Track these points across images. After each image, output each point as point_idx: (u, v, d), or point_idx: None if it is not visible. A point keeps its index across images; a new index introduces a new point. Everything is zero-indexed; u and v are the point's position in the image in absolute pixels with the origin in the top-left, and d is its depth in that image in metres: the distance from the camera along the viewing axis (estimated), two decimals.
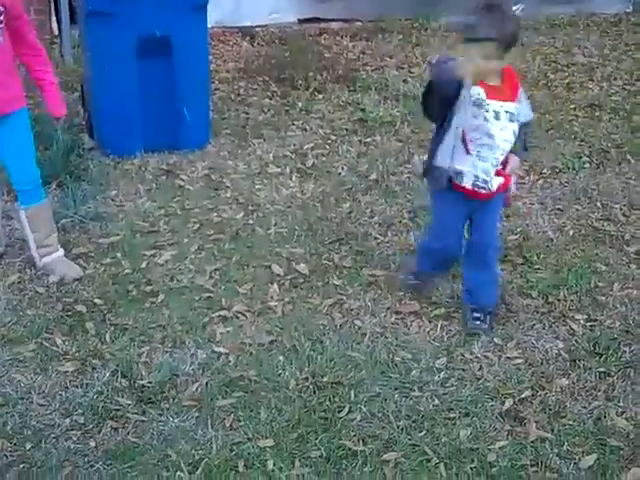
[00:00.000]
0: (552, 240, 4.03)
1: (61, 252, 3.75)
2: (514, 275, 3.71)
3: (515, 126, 3.06)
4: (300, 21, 7.39)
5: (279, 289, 3.61)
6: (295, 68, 6.06)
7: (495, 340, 3.29)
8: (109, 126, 4.78)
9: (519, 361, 3.18)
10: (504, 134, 3.05)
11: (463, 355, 3.21)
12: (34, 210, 3.66)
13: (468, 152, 3.06)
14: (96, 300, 3.50)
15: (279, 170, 4.72)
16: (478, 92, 2.98)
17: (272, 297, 3.55)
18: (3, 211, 3.92)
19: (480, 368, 3.14)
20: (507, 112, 3.02)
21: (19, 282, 3.63)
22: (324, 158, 4.87)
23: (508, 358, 3.19)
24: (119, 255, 3.84)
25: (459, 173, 3.09)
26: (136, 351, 3.20)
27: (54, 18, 6.63)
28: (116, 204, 4.32)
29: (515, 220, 4.19)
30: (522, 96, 3.11)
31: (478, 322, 3.35)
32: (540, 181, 4.64)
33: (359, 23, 7.30)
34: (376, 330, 3.34)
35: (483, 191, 3.12)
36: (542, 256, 3.86)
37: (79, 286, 3.61)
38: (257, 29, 7.10)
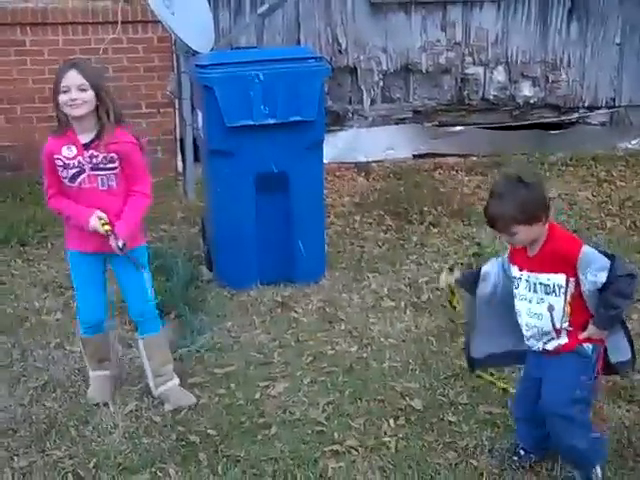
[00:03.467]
0: None
1: (176, 381, 3.80)
2: None
3: (552, 299, 2.95)
4: (415, 156, 7.54)
5: (393, 424, 3.53)
6: (410, 202, 6.13)
7: None
8: (227, 259, 4.92)
9: None
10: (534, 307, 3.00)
11: None
12: (150, 340, 3.76)
13: None
14: (209, 431, 3.51)
15: (393, 304, 4.71)
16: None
17: (385, 432, 3.48)
18: (122, 339, 4.03)
19: None
20: (541, 284, 2.96)
21: (136, 410, 3.68)
22: (439, 292, 4.82)
23: None
24: (233, 386, 3.86)
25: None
26: None
27: (179, 158, 7.00)
28: (231, 335, 4.38)
29: None
30: (582, 263, 2.87)
31: None
32: None
33: (474, 158, 7.38)
34: (493, 471, 3.20)
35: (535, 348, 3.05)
36: None
37: (193, 416, 3.63)
38: (372, 164, 7.27)
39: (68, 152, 3.44)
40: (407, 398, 3.71)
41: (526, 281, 3.00)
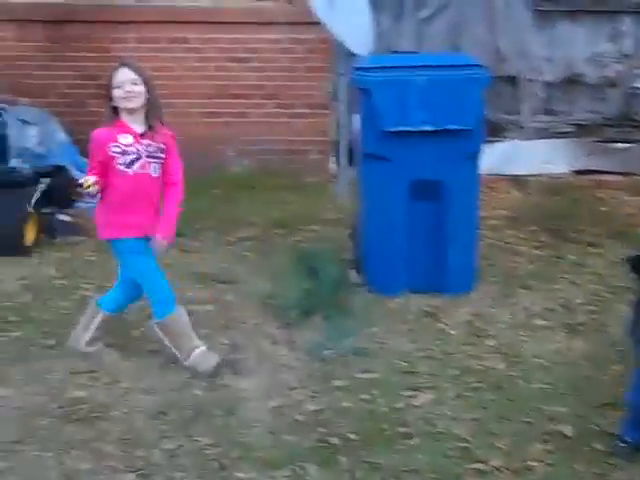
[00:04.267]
0: None
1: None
2: None
3: None
4: (574, 172, 7.28)
5: (540, 448, 3.40)
6: (567, 220, 5.92)
7: None
8: (376, 264, 4.89)
9: None
10: None
11: None
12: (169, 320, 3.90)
13: None
14: (351, 435, 3.48)
15: (546, 323, 4.55)
16: None
17: (532, 456, 3.35)
18: None
19: None
20: None
21: (280, 407, 3.71)
22: (594, 316, 4.64)
23: None
24: (376, 392, 3.82)
25: None
26: None
27: (332, 159, 7.05)
28: (377, 341, 4.34)
29: None
30: None
31: None
32: None
33: (638, 177, 7.05)
34: None
35: None
36: None
37: (335, 418, 3.62)
38: (529, 178, 7.07)
39: (125, 140, 3.72)
40: (556, 423, 3.57)
41: None
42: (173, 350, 3.92)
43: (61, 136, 6.48)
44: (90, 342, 4.05)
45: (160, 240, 3.79)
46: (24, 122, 5.99)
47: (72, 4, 6.99)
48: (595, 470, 3.25)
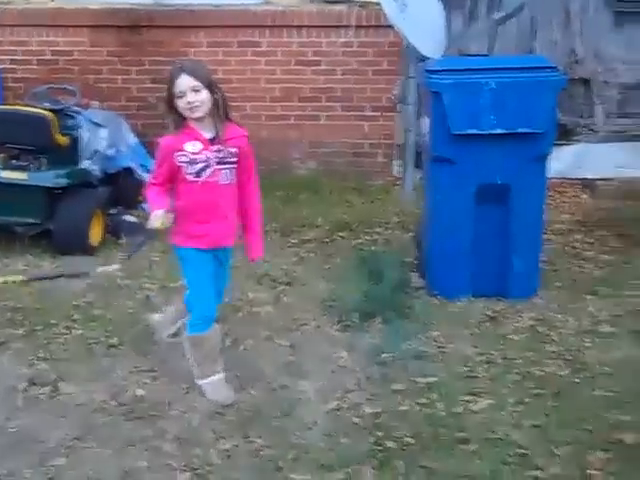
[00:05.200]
0: None
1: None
2: None
3: None
4: None
5: (600, 457, 3.31)
6: (638, 224, 5.77)
7: None
8: (440, 267, 4.86)
9: None
10: None
11: None
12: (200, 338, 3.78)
13: None
14: (408, 439, 3.45)
15: (612, 330, 4.44)
16: None
17: (592, 465, 3.27)
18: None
19: None
20: None
21: (337, 409, 3.71)
22: None
23: None
24: (435, 396, 3.78)
25: None
26: None
27: (396, 162, 7.02)
28: (437, 345, 4.30)
29: None
30: None
31: None
32: None
33: None
34: None
35: None
36: None
37: (393, 422, 3.59)
38: (599, 182, 6.92)
39: (193, 148, 3.52)
40: (618, 431, 3.47)
41: None
42: (191, 366, 3.82)
43: (131, 138, 6.60)
44: (172, 336, 4.10)
45: (255, 260, 3.80)
46: (96, 124, 6.12)
47: (147, 9, 7.13)
48: None
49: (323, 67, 7.12)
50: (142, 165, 6.36)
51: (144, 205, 5.79)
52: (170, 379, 3.93)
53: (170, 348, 4.11)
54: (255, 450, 3.41)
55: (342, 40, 7.04)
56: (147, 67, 7.18)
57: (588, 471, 3.23)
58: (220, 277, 3.82)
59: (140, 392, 3.82)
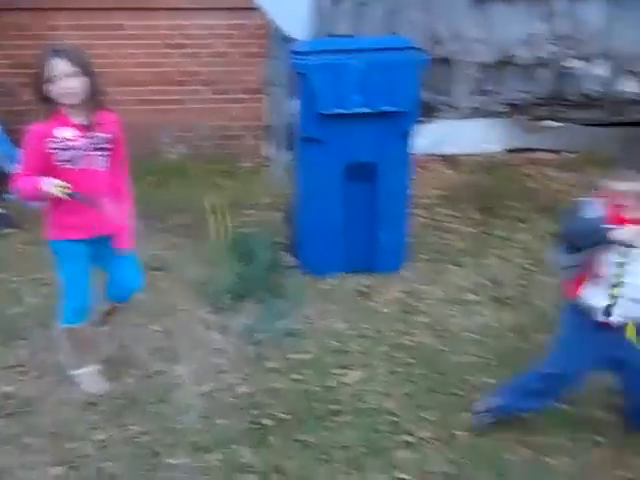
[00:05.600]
0: None
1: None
2: None
3: None
4: (507, 151, 7.39)
5: (467, 419, 3.47)
6: (498, 197, 6.01)
7: None
8: (311, 246, 4.93)
9: None
10: None
11: None
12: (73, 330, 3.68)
13: None
14: (283, 415, 3.53)
15: (475, 298, 4.64)
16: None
17: (459, 426, 3.43)
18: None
19: None
20: None
21: (212, 391, 3.74)
22: (522, 289, 4.73)
23: None
24: (308, 372, 3.87)
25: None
26: (317, 470, 3.18)
27: (266, 144, 7.05)
28: (309, 322, 4.38)
29: None
30: None
31: None
32: None
33: (568, 154, 7.18)
34: (568, 471, 3.13)
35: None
36: None
37: (268, 399, 3.66)
38: (462, 157, 7.16)
39: (65, 134, 3.36)
40: (483, 394, 3.64)
41: None
42: (63, 357, 3.76)
43: None
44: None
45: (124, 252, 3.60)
46: None
47: None
48: (520, 437, 3.36)
49: (190, 50, 7.04)
50: (6, 154, 6.13)
51: (8, 196, 5.61)
52: (40, 373, 3.85)
53: (39, 341, 4.04)
54: (131, 437, 3.41)
55: (209, 23, 6.99)
56: (7, 52, 6.92)
57: (455, 432, 3.39)
58: (116, 267, 3.64)
59: (8, 389, 3.73)
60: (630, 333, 3.08)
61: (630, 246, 2.95)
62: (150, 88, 7.05)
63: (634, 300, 3.02)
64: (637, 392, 3.28)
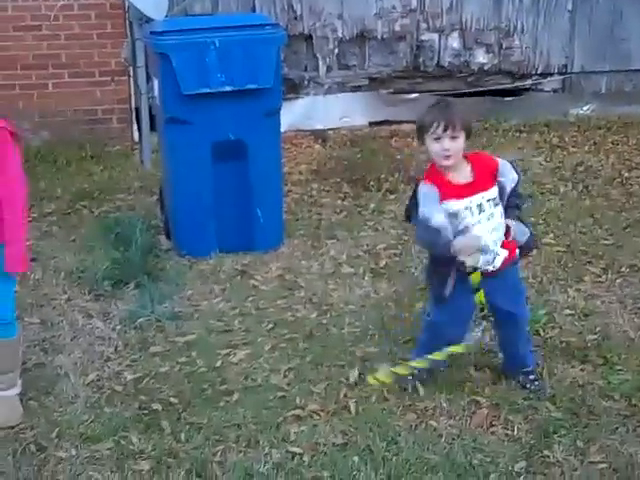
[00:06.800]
0: (633, 340, 3.92)
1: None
2: (594, 376, 3.61)
3: (498, 209, 3.26)
4: (371, 124, 7.55)
5: (354, 389, 3.58)
6: (367, 170, 6.16)
7: (577, 443, 3.18)
8: (185, 228, 4.91)
9: (602, 466, 3.07)
10: (490, 224, 3.23)
11: (543, 459, 3.12)
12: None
13: None
14: (172, 399, 3.53)
15: (352, 270, 4.75)
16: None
17: (346, 396, 3.53)
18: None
19: (562, 473, 3.04)
20: (488, 200, 3.23)
21: (97, 380, 3.69)
22: (397, 258, 4.89)
23: (591, 462, 3.09)
24: (194, 354, 3.88)
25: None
26: (211, 450, 3.20)
27: (135, 127, 6.94)
28: (191, 304, 4.38)
29: (594, 319, 4.11)
30: (503, 168, 3.29)
31: (537, 382, 3.51)
32: (619, 280, 4.55)
33: None
34: (452, 432, 3.28)
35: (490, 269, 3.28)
36: (623, 356, 3.75)
37: (155, 384, 3.65)
38: (329, 132, 7.27)
39: None
40: (367, 363, 3.76)
41: (477, 206, 3.21)
42: None
43: None
44: None
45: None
46: None
47: None
48: (405, 402, 3.48)
49: (45, 32, 6.81)
50: None
51: None
52: None
53: None
54: (15, 434, 3.32)
55: (61, 3, 6.76)
56: None
57: (344, 403, 3.48)
58: None
59: None
60: (475, 279, 3.32)
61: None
62: (4, 73, 6.79)
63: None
64: (506, 334, 3.55)
